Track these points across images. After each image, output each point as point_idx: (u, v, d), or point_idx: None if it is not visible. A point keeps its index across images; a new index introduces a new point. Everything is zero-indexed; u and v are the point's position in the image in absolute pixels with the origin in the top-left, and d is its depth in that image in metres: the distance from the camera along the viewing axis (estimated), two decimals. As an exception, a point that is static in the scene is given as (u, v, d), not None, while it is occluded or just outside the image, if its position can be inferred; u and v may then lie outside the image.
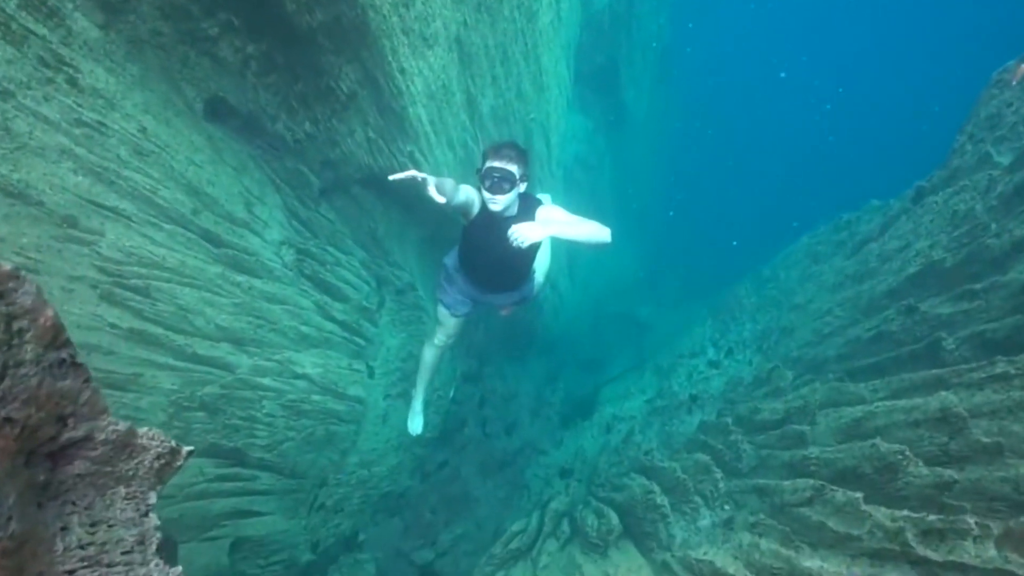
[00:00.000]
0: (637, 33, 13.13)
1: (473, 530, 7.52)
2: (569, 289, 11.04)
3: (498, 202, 3.18)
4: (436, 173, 5.01)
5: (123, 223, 3.28)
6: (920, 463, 3.79)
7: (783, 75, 36.37)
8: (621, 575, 5.08)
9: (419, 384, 4.58)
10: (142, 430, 1.37)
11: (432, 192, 2.80)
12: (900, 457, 3.84)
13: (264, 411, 4.49)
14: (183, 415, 3.82)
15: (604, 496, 6.32)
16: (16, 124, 2.72)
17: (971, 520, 3.32)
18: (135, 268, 3.34)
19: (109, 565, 1.25)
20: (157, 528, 1.37)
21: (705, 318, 10.25)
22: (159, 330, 3.56)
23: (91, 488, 1.28)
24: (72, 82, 2.94)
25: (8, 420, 1.02)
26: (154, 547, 1.35)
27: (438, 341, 4.28)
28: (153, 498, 1.39)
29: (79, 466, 1.25)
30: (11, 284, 1.03)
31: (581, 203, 10.96)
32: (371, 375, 5.85)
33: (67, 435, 1.20)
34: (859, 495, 3.87)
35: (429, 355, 4.37)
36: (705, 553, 4.56)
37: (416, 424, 4.73)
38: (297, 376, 4.78)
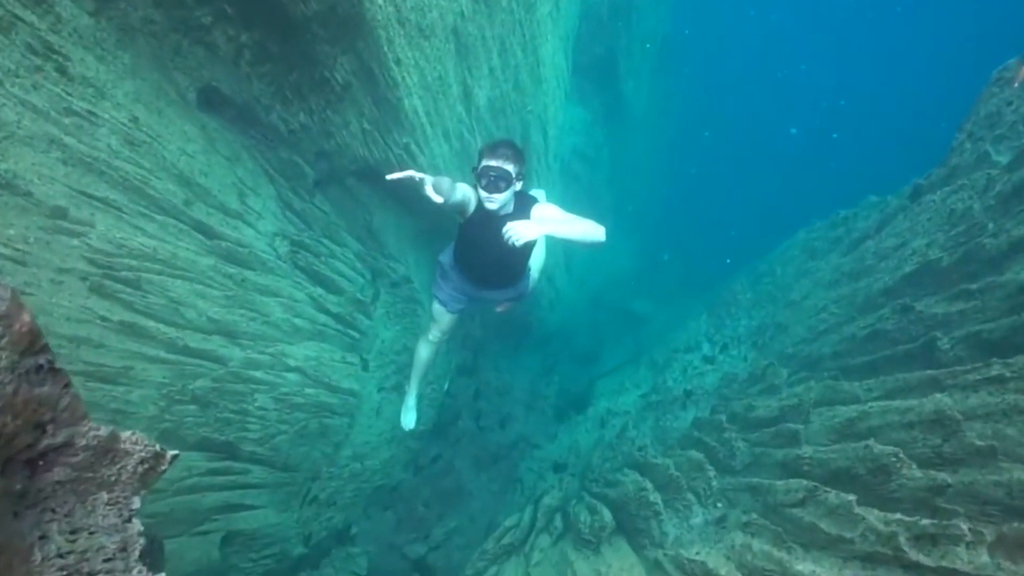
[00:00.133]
0: (636, 24, 13.01)
1: (466, 524, 7.52)
2: (565, 283, 10.99)
3: (495, 201, 3.17)
4: (432, 165, 4.96)
5: (113, 214, 3.23)
6: (914, 465, 3.77)
7: (780, 75, 36.40)
8: (613, 574, 5.08)
9: (413, 379, 4.56)
10: (125, 434, 1.34)
11: (429, 191, 2.78)
12: (893, 459, 3.83)
13: (256, 404, 4.46)
14: (174, 408, 3.79)
15: (597, 492, 6.32)
16: (3, 113, 2.66)
17: (964, 525, 3.30)
18: (126, 260, 3.29)
19: (90, 573, 1.22)
20: (140, 534, 1.34)
21: (700, 313, 10.21)
22: (150, 323, 3.52)
23: (72, 495, 1.24)
24: (61, 70, 2.89)
25: (-18, 429, 0.99)
26: (137, 553, 1.32)
27: (433, 337, 4.27)
28: (136, 503, 1.36)
29: (59, 473, 1.21)
30: (-15, 288, 1.00)
31: (579, 195, 10.98)
32: (365, 368, 5.83)
33: (46, 442, 1.16)
34: (852, 497, 3.86)
35: (424, 350, 4.36)
36: (697, 553, 4.55)
37: (409, 419, 4.72)
38: (290, 369, 4.75)
